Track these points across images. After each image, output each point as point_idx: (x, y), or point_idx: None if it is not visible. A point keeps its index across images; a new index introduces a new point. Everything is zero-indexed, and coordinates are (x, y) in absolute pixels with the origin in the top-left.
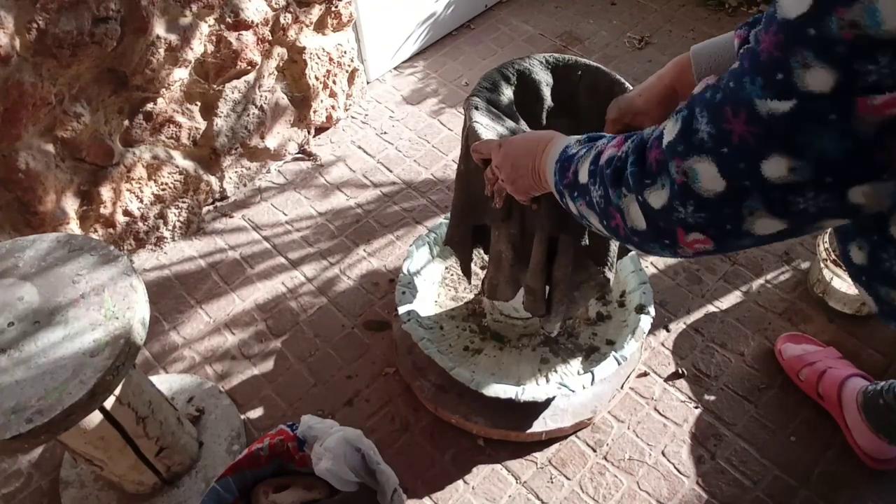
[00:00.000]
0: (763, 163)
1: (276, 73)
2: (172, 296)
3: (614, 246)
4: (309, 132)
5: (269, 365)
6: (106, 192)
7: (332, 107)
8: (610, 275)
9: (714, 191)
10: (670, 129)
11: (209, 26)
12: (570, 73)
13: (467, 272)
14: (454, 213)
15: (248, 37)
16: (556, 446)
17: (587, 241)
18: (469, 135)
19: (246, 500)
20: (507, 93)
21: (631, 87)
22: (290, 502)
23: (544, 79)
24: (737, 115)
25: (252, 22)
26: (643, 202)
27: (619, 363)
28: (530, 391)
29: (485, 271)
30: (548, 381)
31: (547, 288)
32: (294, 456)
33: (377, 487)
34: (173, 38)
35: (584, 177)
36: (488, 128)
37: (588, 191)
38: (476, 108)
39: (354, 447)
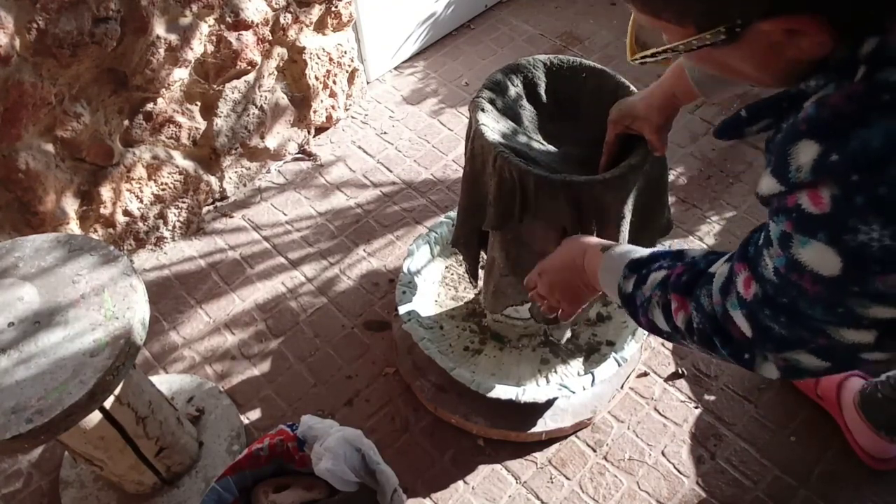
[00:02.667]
0: (865, 354)
1: (276, 73)
2: (172, 296)
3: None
4: (309, 132)
5: (269, 365)
6: (106, 192)
7: (332, 107)
8: None
9: (823, 366)
10: (741, 321)
11: (209, 26)
12: (575, 74)
13: (474, 274)
14: (459, 214)
15: (248, 37)
16: (556, 446)
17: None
18: (475, 136)
19: (246, 500)
20: (511, 94)
21: (636, 90)
22: (290, 502)
23: (541, 80)
24: (816, 335)
25: (252, 22)
26: (753, 370)
27: (619, 364)
28: (531, 392)
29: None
30: (548, 381)
31: None
32: (294, 456)
33: (377, 487)
34: (173, 38)
35: (664, 326)
36: (493, 130)
37: (676, 338)
38: (482, 111)
39: (354, 447)
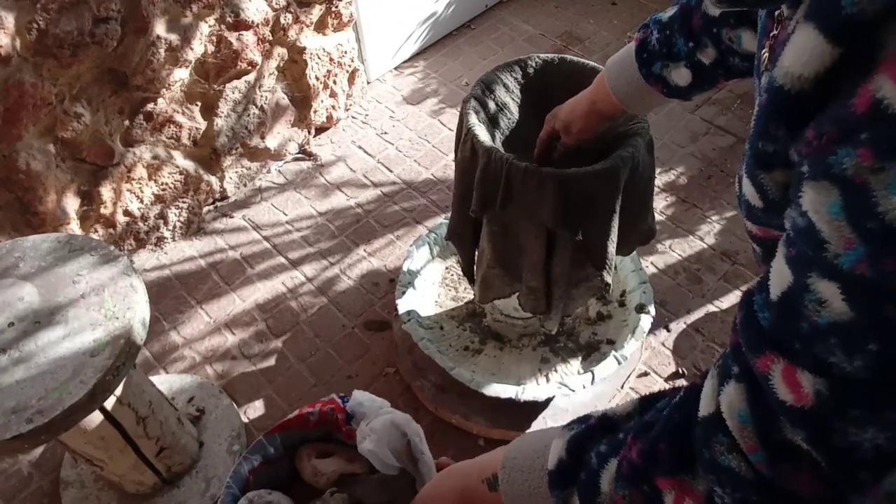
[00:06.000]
0: None
1: (276, 73)
2: (172, 296)
3: (612, 247)
4: (309, 132)
5: (269, 365)
6: (106, 192)
7: (333, 107)
8: (608, 278)
9: None
10: (804, 446)
11: (209, 26)
12: (548, 68)
13: (469, 273)
14: (454, 204)
15: (249, 37)
16: None
17: (581, 237)
18: (466, 134)
19: (290, 459)
20: (499, 95)
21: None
22: (330, 470)
23: (506, 83)
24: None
25: (252, 22)
26: None
27: (619, 363)
28: (530, 391)
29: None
30: (548, 380)
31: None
32: (342, 427)
33: (417, 476)
34: (174, 38)
35: None
36: (484, 127)
37: None
38: (473, 112)
39: (401, 432)
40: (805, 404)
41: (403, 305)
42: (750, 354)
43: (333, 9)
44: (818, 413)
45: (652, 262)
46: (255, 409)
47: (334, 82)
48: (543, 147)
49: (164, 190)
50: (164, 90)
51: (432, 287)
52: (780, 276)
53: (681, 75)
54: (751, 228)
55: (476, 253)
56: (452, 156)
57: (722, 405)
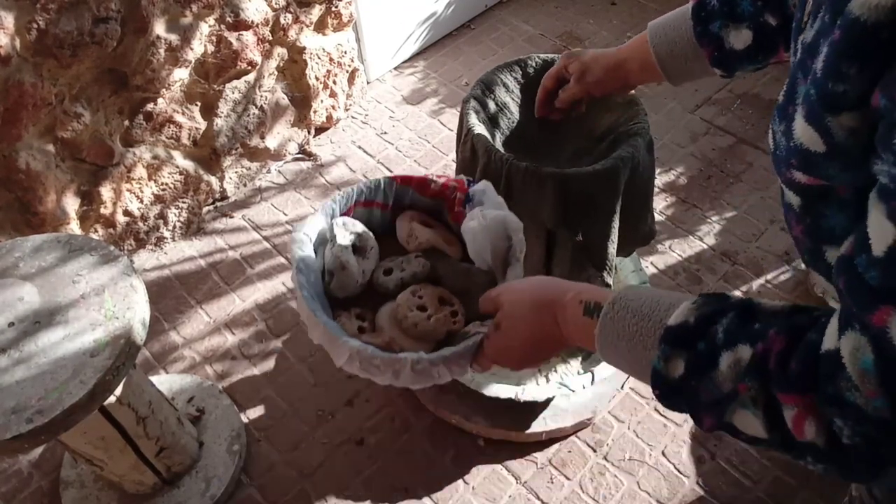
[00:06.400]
0: None
1: (276, 73)
2: (172, 296)
3: (612, 248)
4: (309, 132)
5: (269, 365)
6: (106, 192)
7: (333, 107)
8: (609, 279)
9: None
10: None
11: (209, 26)
12: (548, 68)
13: None
14: None
15: (249, 37)
16: (556, 446)
17: (581, 237)
18: (466, 134)
19: (393, 214)
20: (499, 95)
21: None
22: (425, 238)
23: (505, 83)
24: None
25: (252, 22)
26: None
27: None
28: (530, 391)
29: None
30: (548, 380)
31: None
32: (454, 208)
33: (500, 279)
34: (173, 38)
35: (759, 433)
36: (484, 127)
37: (783, 451)
38: (474, 112)
39: (507, 234)
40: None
41: None
42: (864, 313)
43: (333, 9)
44: None
45: (652, 263)
46: (255, 409)
47: (334, 82)
48: (548, 87)
49: (163, 190)
50: (163, 90)
51: None
52: (881, 231)
53: (740, 37)
54: (798, 178)
55: None
56: (452, 156)
57: (843, 350)
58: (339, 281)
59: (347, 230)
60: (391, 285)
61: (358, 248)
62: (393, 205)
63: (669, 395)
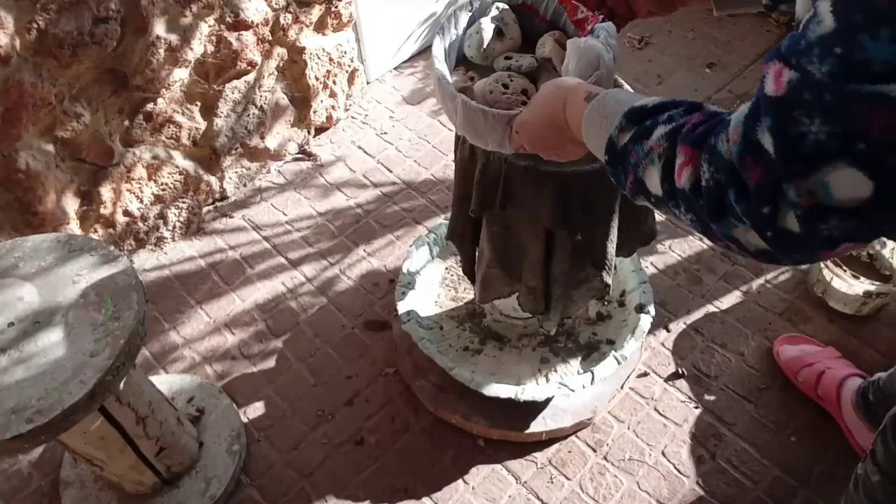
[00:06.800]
0: None
1: (276, 73)
2: (172, 296)
3: (612, 247)
4: (309, 132)
5: (269, 365)
6: (106, 193)
7: (332, 107)
8: (608, 278)
9: (861, 198)
10: (767, 143)
11: (209, 26)
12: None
13: (469, 273)
14: (454, 204)
15: (248, 37)
16: (556, 446)
17: (580, 237)
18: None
19: (548, 26)
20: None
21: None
22: (547, 51)
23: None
24: (871, 108)
25: (252, 22)
26: (772, 235)
27: (618, 362)
28: (530, 391)
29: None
30: (548, 380)
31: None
32: (583, 25)
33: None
34: (173, 38)
35: (656, 189)
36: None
37: (669, 208)
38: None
39: (597, 63)
40: (779, 93)
41: (403, 306)
42: (765, 65)
43: (333, 9)
44: (784, 99)
45: (652, 263)
46: (255, 409)
47: (334, 82)
48: None
49: (163, 190)
50: (163, 90)
51: (432, 287)
52: (803, 6)
53: None
54: None
55: (477, 253)
56: (452, 156)
57: (734, 114)
58: (473, 40)
59: (503, 21)
60: (500, 66)
61: (502, 32)
62: (550, 20)
63: (615, 160)
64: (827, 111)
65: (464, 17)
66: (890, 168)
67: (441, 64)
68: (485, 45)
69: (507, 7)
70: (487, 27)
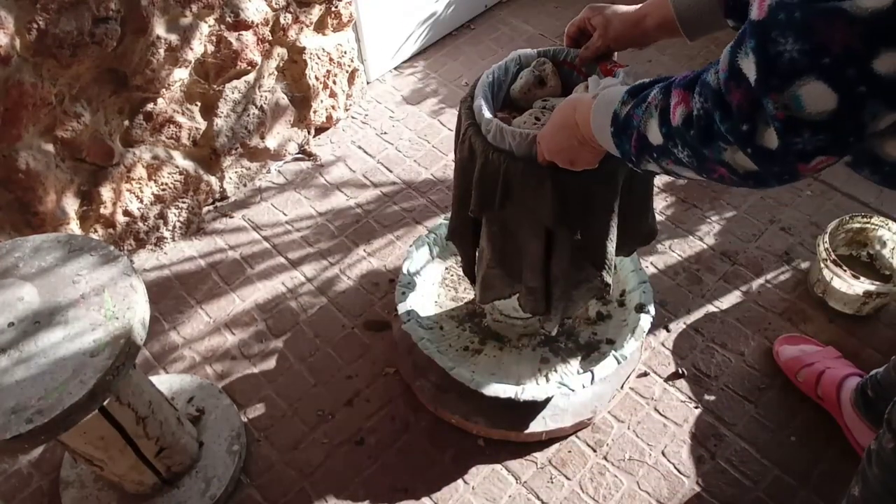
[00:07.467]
0: (874, 62)
1: (276, 73)
2: (172, 296)
3: (611, 247)
4: (309, 132)
5: (269, 365)
6: (106, 193)
7: (332, 107)
8: (608, 278)
9: (827, 110)
10: (748, 67)
11: (209, 26)
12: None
13: (469, 273)
14: (453, 204)
15: (248, 37)
16: (556, 446)
17: (580, 236)
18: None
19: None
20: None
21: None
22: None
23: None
24: (832, 23)
25: (252, 22)
26: (752, 151)
27: (618, 362)
28: (530, 391)
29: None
30: (548, 380)
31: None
32: (606, 66)
33: None
34: (173, 38)
35: (656, 138)
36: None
37: (669, 152)
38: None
39: None
40: (761, 17)
41: (403, 305)
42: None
43: (333, 9)
44: (764, 22)
45: (652, 263)
46: (255, 409)
47: (334, 82)
48: (571, 35)
49: (163, 190)
50: (163, 90)
51: (432, 287)
52: None
53: None
54: None
55: (477, 253)
56: (452, 156)
57: (723, 51)
58: (517, 84)
59: (541, 71)
60: (537, 106)
61: (543, 80)
62: (586, 74)
63: (619, 129)
64: (798, 29)
65: (512, 67)
66: (850, 79)
67: (480, 100)
68: (527, 90)
69: (549, 62)
70: (529, 76)
